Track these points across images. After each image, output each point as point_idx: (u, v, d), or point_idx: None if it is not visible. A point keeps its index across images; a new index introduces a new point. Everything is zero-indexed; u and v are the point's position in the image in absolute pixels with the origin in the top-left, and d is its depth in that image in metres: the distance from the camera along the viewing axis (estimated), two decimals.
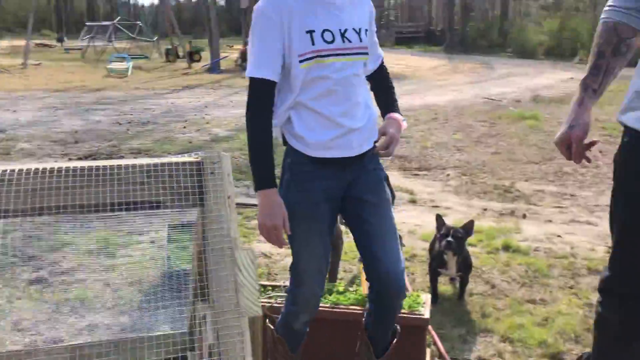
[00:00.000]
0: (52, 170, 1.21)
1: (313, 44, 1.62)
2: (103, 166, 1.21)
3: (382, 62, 1.90)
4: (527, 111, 9.05)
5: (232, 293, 1.11)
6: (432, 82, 14.21)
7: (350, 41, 1.67)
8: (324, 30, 1.64)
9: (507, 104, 10.17)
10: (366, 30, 1.74)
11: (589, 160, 1.69)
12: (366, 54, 1.73)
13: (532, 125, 7.97)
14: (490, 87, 13.14)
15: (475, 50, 28.10)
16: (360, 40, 1.70)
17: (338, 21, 1.66)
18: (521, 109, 9.34)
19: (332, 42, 1.64)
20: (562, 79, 15.21)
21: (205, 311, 1.21)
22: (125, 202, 1.22)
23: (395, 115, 1.80)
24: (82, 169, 1.20)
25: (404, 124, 1.81)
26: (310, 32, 1.62)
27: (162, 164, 1.23)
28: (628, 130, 1.65)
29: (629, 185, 1.65)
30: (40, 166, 1.20)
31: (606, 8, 1.70)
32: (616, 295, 1.68)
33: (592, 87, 1.67)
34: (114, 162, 1.22)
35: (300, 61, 1.62)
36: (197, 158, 1.25)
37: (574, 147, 1.66)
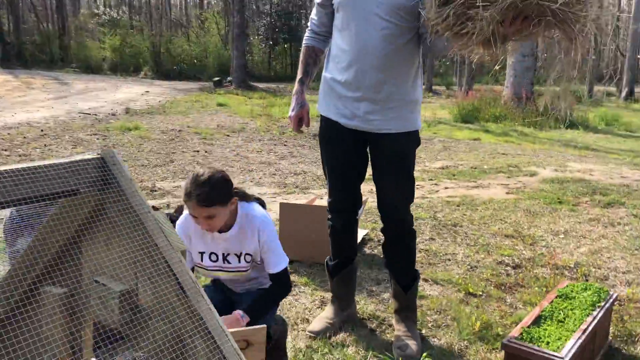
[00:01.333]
0: None
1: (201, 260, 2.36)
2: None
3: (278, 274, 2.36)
4: (127, 123, 9.76)
5: (164, 239, 1.58)
6: (10, 99, 13.38)
7: (229, 262, 2.36)
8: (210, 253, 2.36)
9: (105, 118, 10.65)
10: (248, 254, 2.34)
11: (303, 132, 2.67)
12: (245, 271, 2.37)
13: (140, 135, 8.74)
14: (78, 102, 13.25)
15: (35, 65, 26.90)
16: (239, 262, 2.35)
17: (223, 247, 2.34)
18: (121, 121, 9.99)
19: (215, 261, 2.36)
20: (140, 93, 16.39)
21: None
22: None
23: (238, 312, 2.21)
24: None
25: (243, 321, 2.18)
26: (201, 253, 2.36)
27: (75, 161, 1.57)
28: None
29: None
30: None
31: (306, 35, 2.67)
32: (335, 211, 2.75)
33: (306, 83, 2.63)
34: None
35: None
36: (99, 154, 1.62)
37: (305, 118, 2.60)
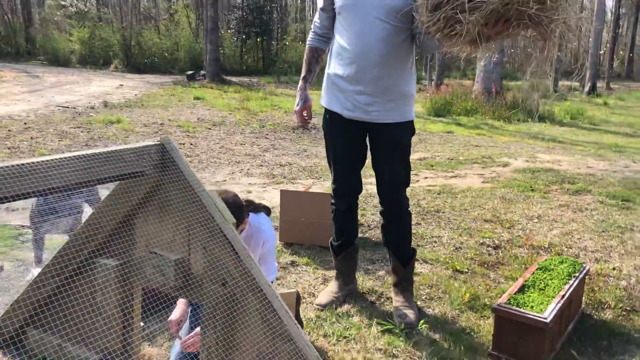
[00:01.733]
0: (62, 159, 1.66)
1: None
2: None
3: None
4: (109, 116, 9.85)
5: (218, 213, 1.84)
6: None
7: None
8: None
9: (84, 111, 10.70)
10: None
11: (308, 125, 2.94)
12: None
13: (124, 128, 8.87)
14: (53, 95, 13.22)
15: (0, 57, 26.42)
16: None
17: None
18: (103, 115, 10.07)
19: None
20: (114, 86, 16.36)
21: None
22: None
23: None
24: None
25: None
26: None
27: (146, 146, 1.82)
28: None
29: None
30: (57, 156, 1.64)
31: (309, 37, 2.94)
32: (339, 196, 3.03)
33: (309, 80, 2.92)
34: None
35: None
36: (159, 141, 1.87)
37: (307, 112, 2.87)
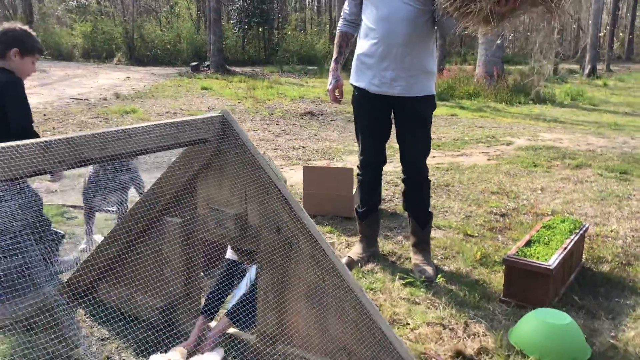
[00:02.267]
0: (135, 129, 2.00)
1: None
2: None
3: None
4: (123, 106, 10.18)
5: (272, 172, 2.19)
6: None
7: None
8: None
9: (98, 103, 11.03)
10: None
11: (340, 102, 3.27)
12: None
13: (140, 117, 9.21)
14: (64, 88, 13.54)
15: None
16: None
17: None
18: (117, 105, 10.41)
19: None
20: (122, 79, 16.68)
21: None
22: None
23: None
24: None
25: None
26: None
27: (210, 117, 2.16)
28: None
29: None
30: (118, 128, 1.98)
31: (340, 22, 3.28)
32: (366, 166, 3.37)
33: (340, 62, 3.26)
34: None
35: None
36: (220, 113, 2.22)
37: (338, 91, 3.21)
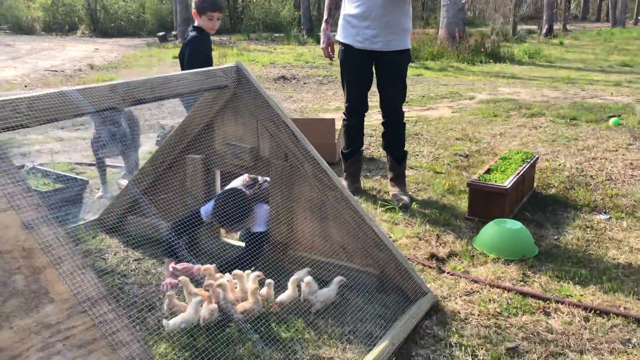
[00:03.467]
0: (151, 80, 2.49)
1: None
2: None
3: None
4: (102, 76, 10.44)
5: (281, 110, 2.69)
6: None
7: None
8: None
9: (73, 74, 11.24)
10: None
11: (332, 58, 3.76)
12: None
13: None
14: (36, 61, 13.62)
15: None
16: None
17: None
18: (95, 76, 10.65)
19: None
20: (91, 50, 16.70)
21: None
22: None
23: None
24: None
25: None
26: None
27: (229, 67, 2.65)
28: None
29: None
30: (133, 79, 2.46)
31: None
32: (351, 112, 3.87)
33: (330, 22, 3.73)
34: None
35: None
36: (235, 64, 2.71)
37: (330, 48, 3.71)
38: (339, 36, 3.82)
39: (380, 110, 3.98)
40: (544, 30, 22.47)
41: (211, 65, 3.83)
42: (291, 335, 2.31)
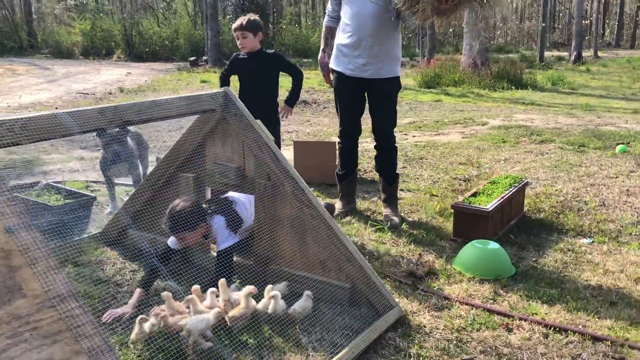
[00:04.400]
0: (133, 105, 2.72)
1: None
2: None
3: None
4: (130, 99, 10.89)
5: (264, 133, 2.90)
6: (5, 85, 14.26)
7: None
8: None
9: (104, 97, 11.74)
10: None
11: (331, 83, 3.98)
12: None
13: None
14: (70, 84, 14.22)
15: (5, 52, 27.30)
16: None
17: None
18: (123, 99, 11.11)
19: None
20: (123, 74, 17.34)
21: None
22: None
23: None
24: None
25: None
26: None
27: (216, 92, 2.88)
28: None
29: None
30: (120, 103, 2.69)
31: (325, 19, 3.98)
32: (344, 136, 4.07)
33: (327, 52, 3.96)
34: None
35: None
36: (224, 89, 2.94)
37: (328, 71, 3.92)
38: (333, 64, 4.03)
39: (373, 132, 4.15)
40: (572, 57, 22.39)
41: (247, 82, 4.26)
42: (259, 342, 2.47)
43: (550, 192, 4.78)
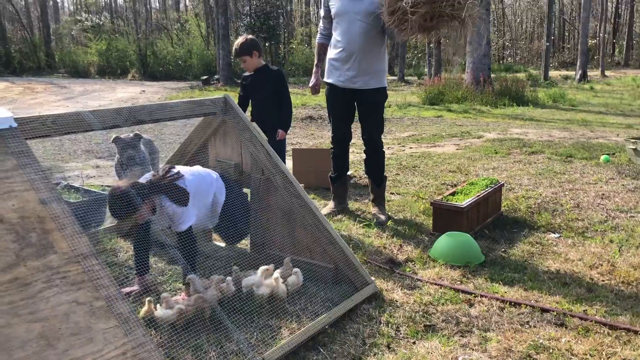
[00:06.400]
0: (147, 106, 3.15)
1: None
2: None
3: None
4: None
5: (259, 134, 3.32)
6: (25, 102, 14.89)
7: None
8: None
9: None
10: None
11: (317, 93, 4.40)
12: None
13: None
14: (87, 101, 14.83)
15: (24, 72, 28.16)
16: None
17: None
18: None
19: None
20: (138, 92, 17.97)
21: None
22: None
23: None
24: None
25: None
26: None
27: (215, 98, 3.31)
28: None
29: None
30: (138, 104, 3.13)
31: (318, 36, 4.42)
32: (336, 142, 4.48)
33: (319, 66, 4.39)
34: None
35: None
36: (224, 96, 3.37)
37: (318, 87, 4.34)
38: (325, 77, 4.46)
39: (362, 138, 4.57)
40: (577, 76, 22.76)
41: (254, 97, 4.48)
42: (251, 309, 2.87)
43: (529, 196, 5.15)
